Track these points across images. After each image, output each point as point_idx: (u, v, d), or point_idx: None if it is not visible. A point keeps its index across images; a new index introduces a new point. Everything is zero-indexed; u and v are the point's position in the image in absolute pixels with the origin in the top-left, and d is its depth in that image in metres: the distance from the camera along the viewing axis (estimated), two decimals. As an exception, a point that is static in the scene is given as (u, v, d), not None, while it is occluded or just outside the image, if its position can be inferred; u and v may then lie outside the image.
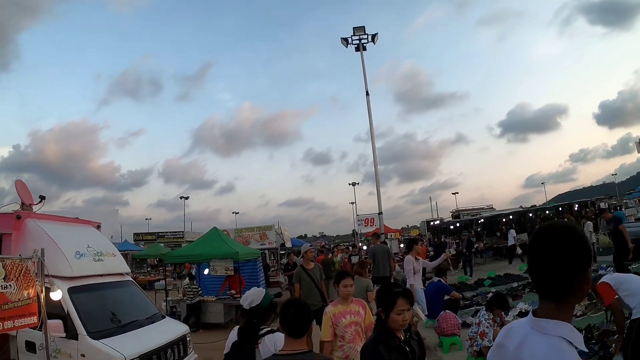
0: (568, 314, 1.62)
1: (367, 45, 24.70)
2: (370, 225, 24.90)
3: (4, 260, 4.41)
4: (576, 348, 1.55)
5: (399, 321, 3.18)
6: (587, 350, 1.43)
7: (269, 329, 3.72)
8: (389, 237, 25.66)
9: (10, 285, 4.40)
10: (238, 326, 3.75)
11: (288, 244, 24.83)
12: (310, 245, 10.20)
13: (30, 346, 6.63)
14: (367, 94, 24.11)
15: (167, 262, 17.05)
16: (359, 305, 5.02)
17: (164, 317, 7.99)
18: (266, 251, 22.50)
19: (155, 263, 39.16)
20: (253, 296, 3.92)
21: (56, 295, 5.20)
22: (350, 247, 24.05)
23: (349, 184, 67.73)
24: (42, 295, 4.87)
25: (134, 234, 57.28)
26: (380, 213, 23.43)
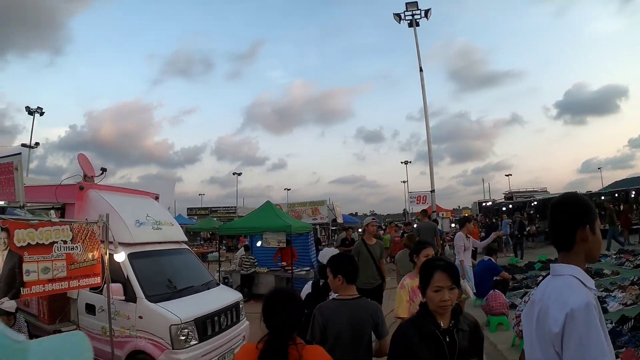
0: (578, 260, 2.02)
1: (420, 21, 24.10)
2: (423, 203, 24.61)
3: (71, 224, 4.68)
4: (586, 286, 1.92)
5: (435, 300, 2.64)
6: (595, 288, 1.55)
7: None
8: (440, 216, 25.43)
9: (76, 247, 4.67)
10: (312, 280, 4.06)
11: (340, 220, 24.93)
12: (373, 219, 9.11)
13: (90, 308, 7.00)
14: (421, 70, 23.40)
15: (221, 235, 17.48)
16: None
17: (218, 284, 8.26)
18: (317, 226, 22.68)
19: (208, 236, 40.16)
20: (331, 254, 4.53)
21: (120, 256, 5.46)
22: (402, 225, 23.96)
23: (402, 163, 67.33)
24: (106, 258, 5.11)
25: (188, 208, 58.51)
26: (432, 191, 23.14)
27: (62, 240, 4.54)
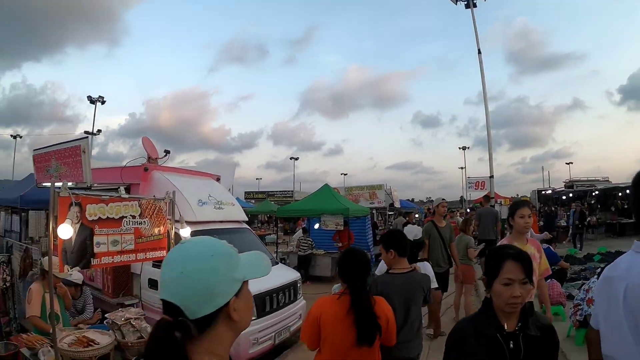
0: None
1: (477, 2, 23.36)
2: (481, 189, 24.05)
3: (139, 200, 4.89)
4: None
5: (504, 296, 2.18)
6: None
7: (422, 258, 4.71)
8: (499, 203, 24.91)
9: (144, 222, 4.89)
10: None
11: (397, 205, 24.76)
12: (443, 199, 8.51)
13: (153, 283, 7.29)
14: (479, 52, 22.53)
15: (279, 217, 17.75)
16: (534, 246, 4.35)
17: (277, 263, 8.44)
18: (374, 210, 22.65)
19: (266, 219, 40.77)
20: (416, 231, 5.42)
21: (185, 232, 5.66)
22: (469, 210, 23.52)
23: (459, 148, 65.83)
24: (172, 233, 5.31)
25: (245, 192, 59.33)
26: (491, 176, 22.64)
27: (130, 215, 4.76)
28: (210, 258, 1.23)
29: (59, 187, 4.12)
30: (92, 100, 37.50)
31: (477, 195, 29.49)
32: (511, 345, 2.16)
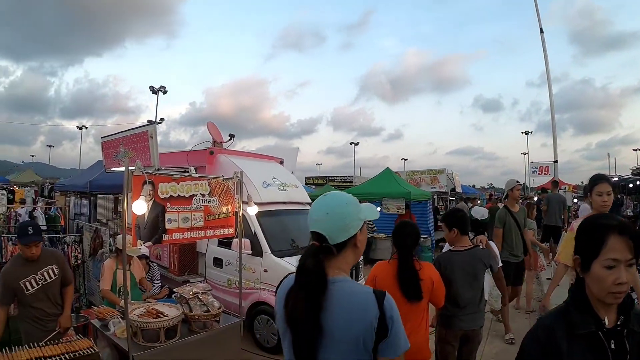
0: None
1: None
2: (545, 174, 23.34)
3: (209, 179, 5.08)
4: None
5: (606, 283, 1.67)
6: None
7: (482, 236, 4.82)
8: (563, 189, 24.05)
9: (213, 200, 5.07)
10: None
11: (458, 190, 24.35)
12: (517, 182, 7.50)
13: (218, 262, 7.58)
14: (542, 31, 21.38)
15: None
16: None
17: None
18: (435, 195, 22.38)
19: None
20: (483, 212, 5.99)
21: (252, 210, 5.83)
22: (540, 193, 22.78)
23: (522, 133, 63.56)
24: (240, 212, 5.49)
25: (306, 177, 59.38)
26: (555, 161, 21.94)
27: (200, 194, 4.95)
28: (345, 204, 1.86)
29: (133, 168, 4.32)
30: (154, 91, 38.49)
31: (541, 181, 28.60)
32: (613, 346, 1.67)
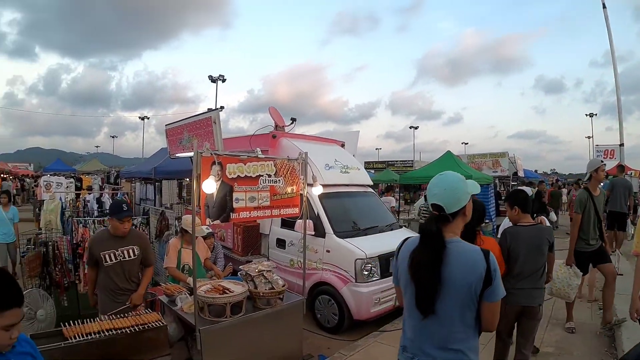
0: None
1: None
2: (610, 158, 22.38)
3: (274, 160, 5.19)
4: None
5: None
6: None
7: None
8: (629, 174, 23.03)
9: (279, 180, 5.19)
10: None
11: (520, 174, 23.75)
12: (602, 161, 6.55)
13: (281, 243, 7.74)
14: (604, 6, 19.88)
15: (401, 184, 17.75)
16: None
17: (401, 227, 8.56)
18: (497, 180, 21.93)
19: (385, 189, 40.82)
20: (528, 190, 5.42)
21: (317, 190, 5.91)
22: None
23: (586, 115, 60.78)
24: (305, 192, 5.58)
25: (365, 162, 59.19)
26: (621, 144, 20.99)
27: (266, 174, 5.07)
28: (458, 182, 2.36)
29: (202, 150, 4.48)
30: (213, 80, 39.17)
31: (607, 163, 27.47)
32: None
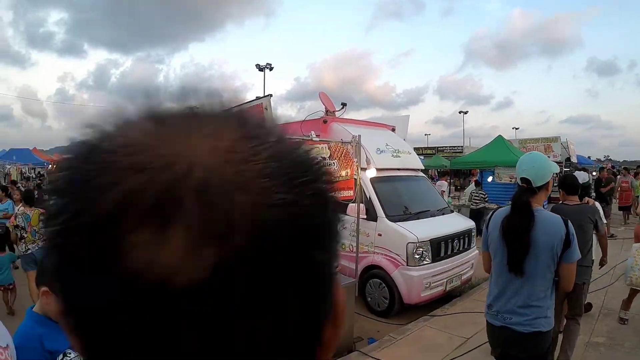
0: None
1: None
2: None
3: (329, 143, 5.25)
4: None
5: None
6: None
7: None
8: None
9: (333, 163, 5.27)
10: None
11: (573, 159, 23.10)
12: None
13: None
14: None
15: (452, 169, 17.63)
16: None
17: (452, 211, 8.53)
18: (547, 166, 21.36)
19: (436, 174, 40.45)
20: (584, 176, 6.56)
21: (371, 172, 5.97)
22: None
23: (643, 99, 58.26)
24: (359, 174, 5.63)
25: (414, 148, 58.58)
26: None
27: (321, 157, 5.12)
28: (544, 160, 2.92)
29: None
30: (261, 68, 39.34)
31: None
32: None
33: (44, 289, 1.92)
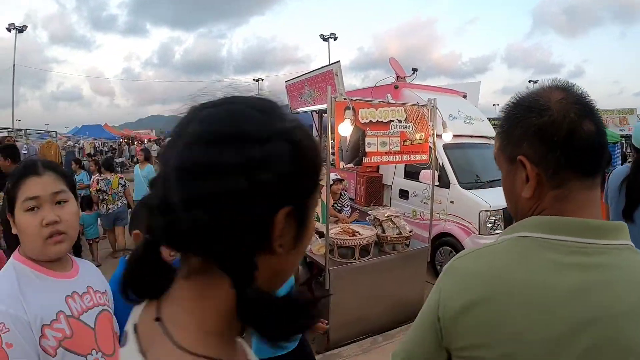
0: None
1: None
2: None
3: (404, 106, 5.21)
4: None
5: None
6: None
7: None
8: None
9: (409, 126, 5.22)
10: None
11: (650, 132, 21.97)
12: None
13: (403, 193, 7.79)
14: None
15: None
16: None
17: (523, 180, 8.32)
18: (623, 140, 20.47)
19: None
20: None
21: (447, 136, 5.91)
22: None
23: None
24: (434, 138, 5.58)
25: (482, 120, 57.71)
26: None
27: (397, 120, 5.12)
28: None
29: (335, 95, 4.59)
30: (325, 38, 39.34)
31: None
32: None
33: (136, 232, 2.04)
